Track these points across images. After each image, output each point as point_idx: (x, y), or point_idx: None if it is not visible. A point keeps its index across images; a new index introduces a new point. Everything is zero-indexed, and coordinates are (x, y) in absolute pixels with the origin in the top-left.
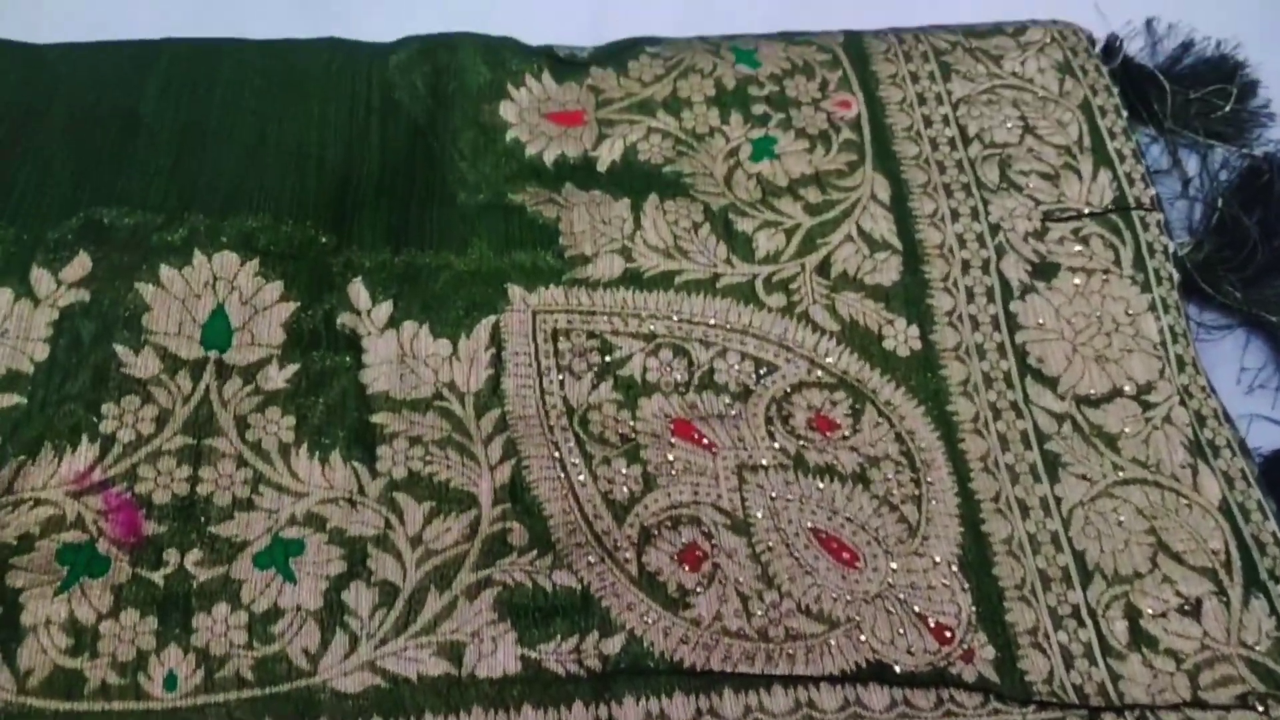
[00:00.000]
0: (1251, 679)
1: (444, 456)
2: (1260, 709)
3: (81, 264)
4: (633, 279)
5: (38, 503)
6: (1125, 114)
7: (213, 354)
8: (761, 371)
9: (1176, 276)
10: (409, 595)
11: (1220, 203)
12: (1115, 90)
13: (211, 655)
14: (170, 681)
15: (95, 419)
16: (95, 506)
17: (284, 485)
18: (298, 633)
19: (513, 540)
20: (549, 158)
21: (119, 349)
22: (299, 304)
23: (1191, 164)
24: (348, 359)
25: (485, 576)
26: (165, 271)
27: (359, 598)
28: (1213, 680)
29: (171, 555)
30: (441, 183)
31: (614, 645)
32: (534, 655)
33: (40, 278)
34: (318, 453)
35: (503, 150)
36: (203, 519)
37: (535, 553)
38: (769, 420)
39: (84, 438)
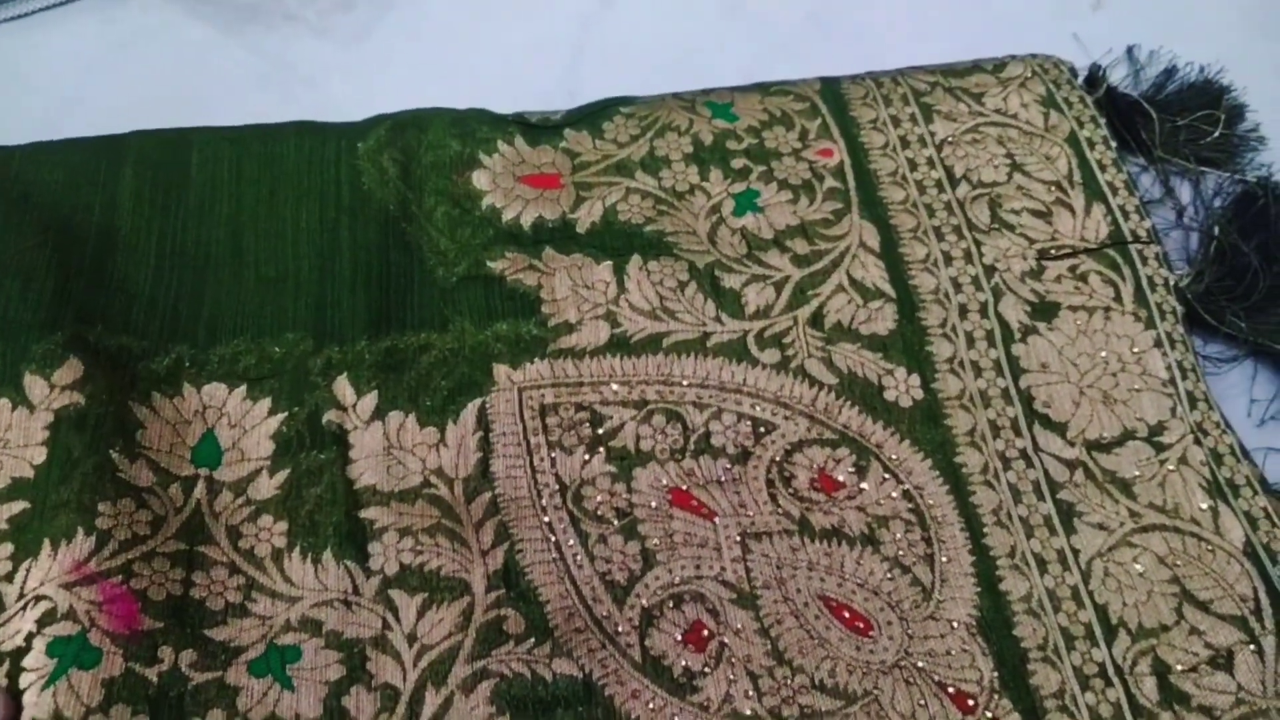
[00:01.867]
0: None
1: (434, 544)
2: None
3: (73, 368)
4: (619, 344)
5: (37, 600)
6: (1114, 145)
7: (204, 471)
8: (760, 431)
9: (1180, 310)
10: (409, 697)
11: (1217, 231)
12: (1102, 121)
13: None
14: None
15: (91, 516)
16: (89, 597)
17: (278, 591)
18: None
19: (509, 628)
20: (526, 220)
21: (115, 456)
22: (285, 414)
23: (1184, 192)
24: (335, 454)
25: (481, 668)
26: (157, 398)
27: (360, 704)
28: None
29: (166, 653)
30: (419, 264)
31: None
32: None
33: (33, 384)
34: (310, 554)
35: (478, 219)
36: (196, 620)
37: (533, 641)
38: (770, 483)
39: (80, 532)
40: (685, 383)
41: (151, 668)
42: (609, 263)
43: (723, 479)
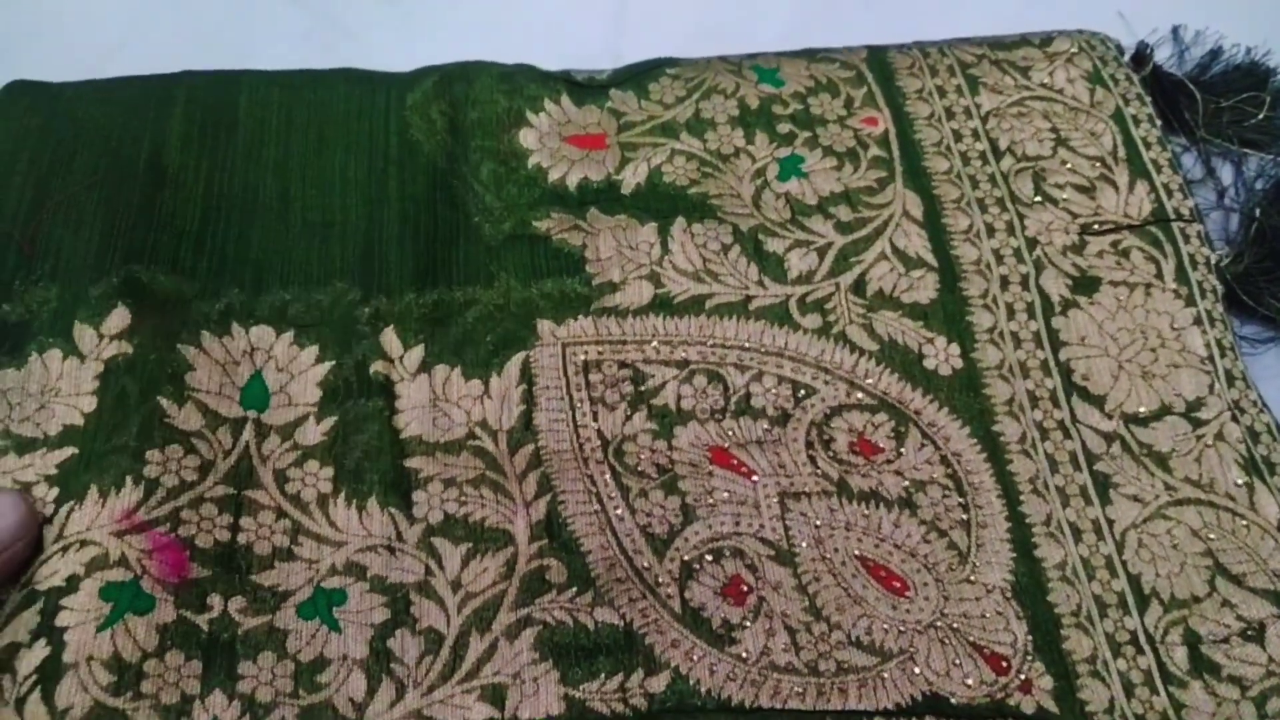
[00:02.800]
0: None
1: (478, 495)
2: None
3: (121, 317)
4: (663, 305)
5: (84, 544)
6: (1159, 124)
7: (251, 413)
8: (800, 395)
9: (1220, 289)
10: (453, 641)
11: (1259, 213)
12: (1148, 99)
13: (257, 703)
14: None
15: (140, 465)
16: (140, 545)
17: (323, 535)
18: (344, 682)
19: (551, 577)
20: (572, 182)
21: (163, 402)
22: (333, 362)
23: (1225, 174)
24: (381, 404)
25: (524, 616)
26: (207, 339)
27: (405, 646)
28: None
29: (215, 601)
30: (465, 219)
31: (659, 684)
32: (577, 695)
33: (83, 334)
34: (355, 501)
35: (525, 178)
36: (244, 567)
37: (575, 590)
38: (809, 445)
39: (128, 480)
40: (727, 344)
41: (202, 615)
42: (653, 224)
43: (762, 440)
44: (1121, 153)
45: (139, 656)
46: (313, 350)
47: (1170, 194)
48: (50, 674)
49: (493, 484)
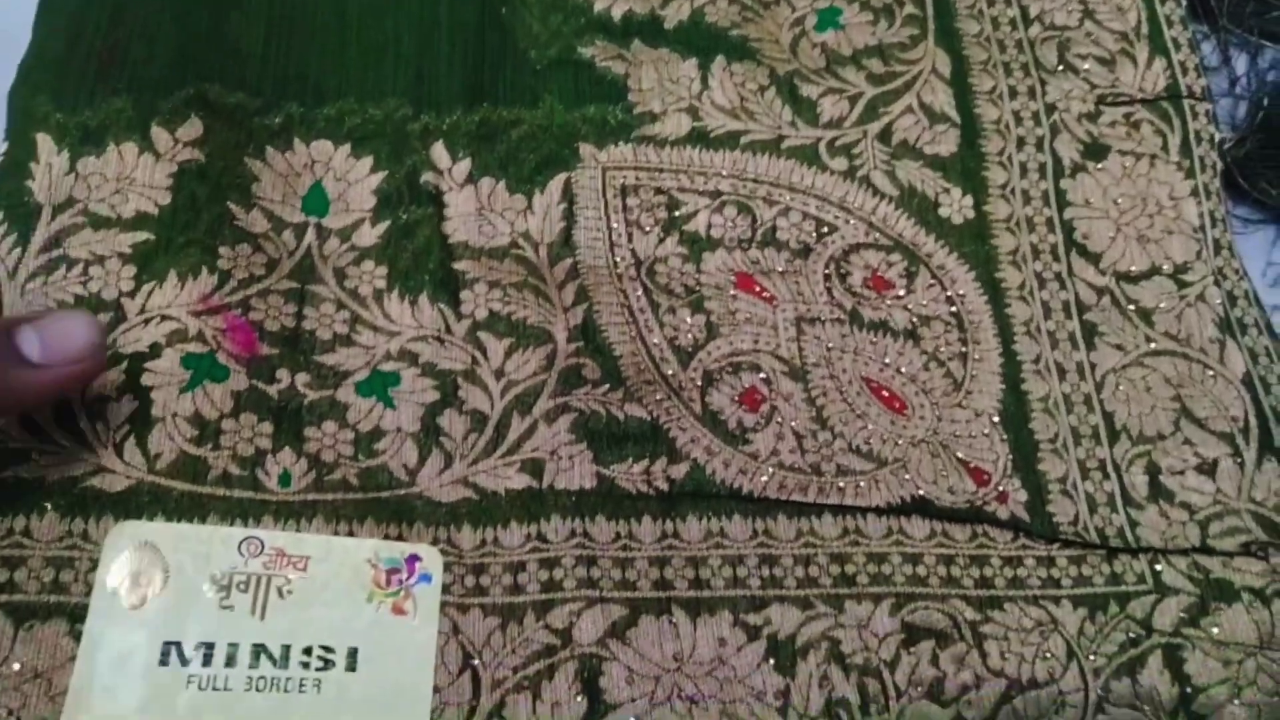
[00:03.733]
0: (1257, 530)
1: (521, 298)
2: (1261, 555)
3: (194, 126)
4: (699, 137)
5: (164, 319)
6: (1184, 2)
7: (312, 219)
8: (822, 231)
9: (1220, 165)
10: (496, 421)
11: (1266, 102)
12: None
13: (322, 461)
14: (284, 479)
15: (213, 258)
16: (215, 325)
17: (379, 325)
18: (398, 450)
19: (586, 374)
20: (617, 13)
21: (232, 206)
22: (386, 172)
23: (1241, 65)
24: (431, 211)
25: (562, 403)
26: (270, 153)
27: (452, 423)
28: (1221, 530)
29: (283, 375)
30: (512, 44)
31: (680, 471)
32: (608, 473)
33: (159, 135)
34: (407, 296)
35: (571, 6)
36: (308, 349)
37: (607, 386)
38: (827, 277)
39: (204, 270)
40: (758, 179)
41: (271, 385)
42: (694, 60)
43: (784, 269)
44: (1144, 29)
45: (217, 416)
46: (367, 161)
47: (1185, 72)
48: (140, 425)
49: (534, 289)
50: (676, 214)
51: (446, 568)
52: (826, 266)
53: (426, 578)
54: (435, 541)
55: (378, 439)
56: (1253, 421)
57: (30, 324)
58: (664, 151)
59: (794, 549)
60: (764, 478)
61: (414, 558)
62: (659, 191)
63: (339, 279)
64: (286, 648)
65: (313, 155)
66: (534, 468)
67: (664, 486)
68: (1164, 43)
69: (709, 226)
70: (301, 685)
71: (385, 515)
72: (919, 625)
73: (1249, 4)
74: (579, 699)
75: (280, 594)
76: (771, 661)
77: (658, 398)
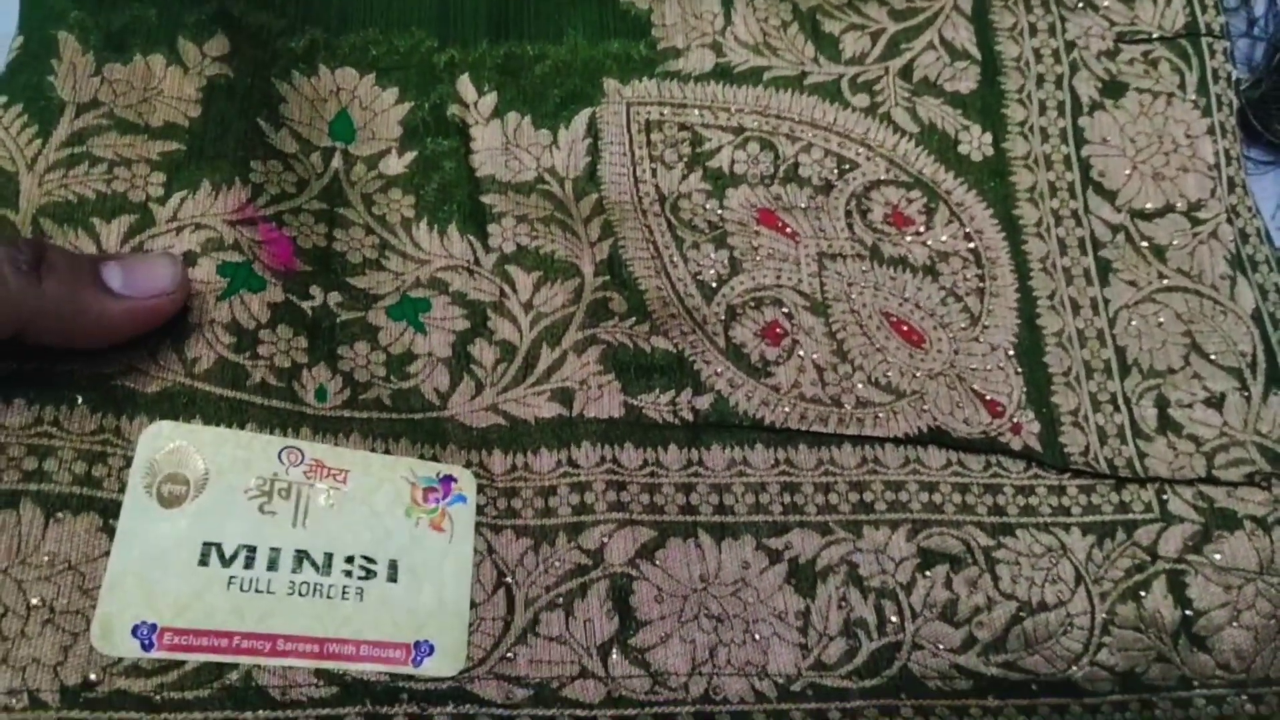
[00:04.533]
0: (1261, 462)
1: (548, 231)
2: (1265, 485)
3: (221, 42)
4: (723, 73)
5: (198, 227)
6: None
7: (339, 145)
8: (844, 168)
9: (1235, 104)
10: (525, 351)
11: None
12: None
13: (356, 381)
14: (321, 394)
15: (246, 170)
16: (251, 236)
17: (408, 253)
18: (430, 374)
19: (613, 308)
20: None
21: (262, 124)
22: (413, 103)
23: (1259, 6)
24: (457, 144)
25: (591, 335)
26: (296, 76)
27: (483, 352)
28: (1227, 461)
29: (317, 292)
30: None
31: (704, 402)
32: (635, 403)
33: (187, 48)
34: (436, 226)
35: None
36: (340, 270)
37: (634, 319)
38: (848, 213)
39: (238, 180)
40: (781, 116)
41: (305, 301)
42: None
43: (806, 205)
44: None
45: (254, 325)
46: (393, 91)
47: (1204, 9)
48: (178, 330)
49: (561, 223)
50: (700, 150)
51: (479, 490)
52: (848, 203)
53: (462, 498)
54: (468, 464)
55: (409, 362)
56: (1260, 356)
57: (116, 260)
58: (688, 87)
59: (814, 477)
60: (785, 409)
61: (449, 478)
62: (683, 127)
63: (367, 205)
64: (329, 555)
65: (338, 82)
66: (564, 396)
67: (689, 417)
68: None
69: (732, 162)
70: (344, 593)
71: (419, 436)
72: (934, 550)
73: None
74: (611, 616)
75: (322, 502)
76: (792, 583)
77: (683, 331)
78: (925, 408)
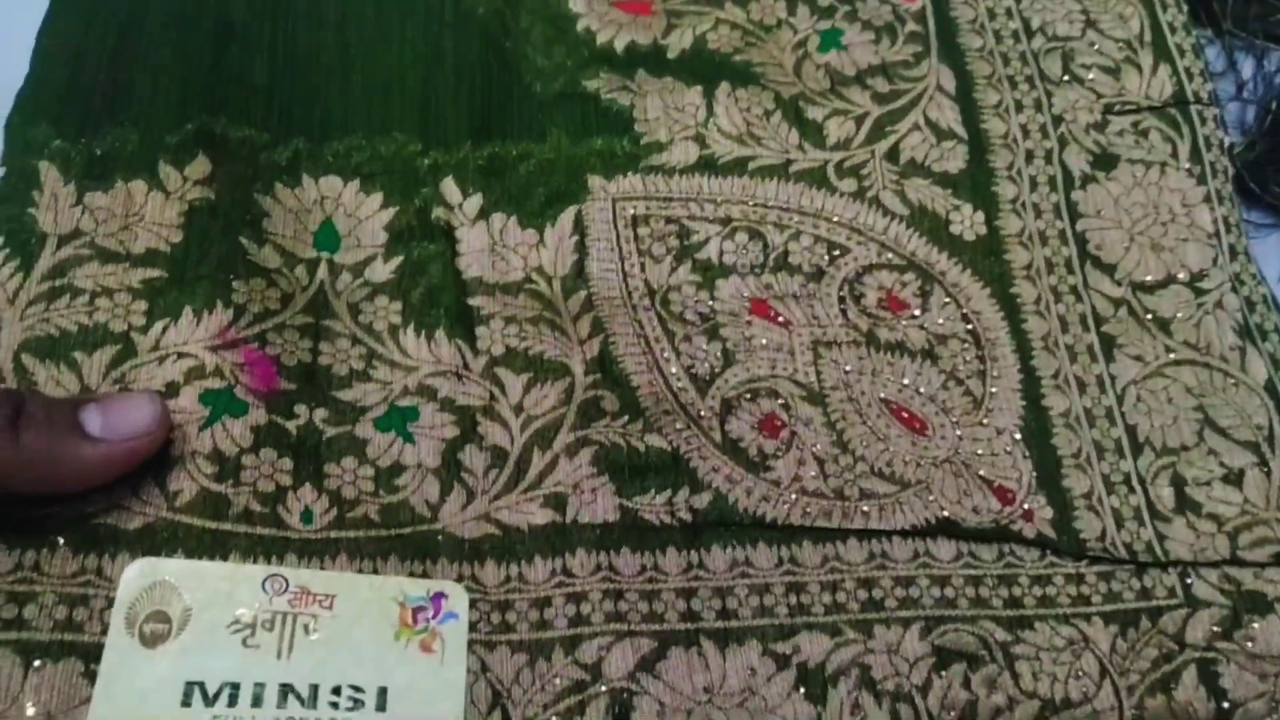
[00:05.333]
0: None
1: (537, 332)
2: None
3: (202, 165)
4: (707, 165)
5: (180, 356)
6: (1186, 8)
7: (324, 255)
8: (834, 253)
9: (1231, 170)
10: (517, 456)
11: (1274, 105)
12: None
13: (343, 498)
14: (306, 516)
15: (228, 291)
16: (233, 359)
17: (395, 361)
18: (419, 486)
19: (605, 406)
20: (620, 45)
21: (244, 242)
22: (397, 208)
23: (1247, 69)
24: (443, 247)
25: (583, 436)
26: (279, 189)
27: (473, 459)
28: (1251, 541)
29: (302, 410)
30: (517, 79)
31: (702, 501)
32: (631, 505)
33: (168, 174)
34: (424, 331)
35: (574, 40)
36: (326, 384)
37: (627, 418)
38: (842, 299)
39: (219, 304)
40: (768, 204)
41: (290, 421)
42: (699, 88)
43: (798, 293)
44: (1148, 36)
45: (236, 452)
46: (377, 196)
47: (1191, 78)
48: (160, 465)
49: (550, 323)
50: (688, 242)
51: (472, 604)
52: (840, 289)
53: (453, 615)
54: (459, 578)
55: (398, 474)
56: (1277, 429)
57: (96, 403)
58: (673, 180)
59: (820, 575)
60: (787, 504)
61: (439, 595)
62: (669, 220)
63: (353, 314)
64: (315, 687)
65: (322, 191)
66: (557, 502)
67: (687, 517)
68: (1168, 49)
69: (721, 253)
70: None
71: (408, 552)
72: (949, 648)
73: (1252, 7)
74: None
75: (306, 632)
76: (802, 690)
77: (677, 427)
78: (932, 497)
